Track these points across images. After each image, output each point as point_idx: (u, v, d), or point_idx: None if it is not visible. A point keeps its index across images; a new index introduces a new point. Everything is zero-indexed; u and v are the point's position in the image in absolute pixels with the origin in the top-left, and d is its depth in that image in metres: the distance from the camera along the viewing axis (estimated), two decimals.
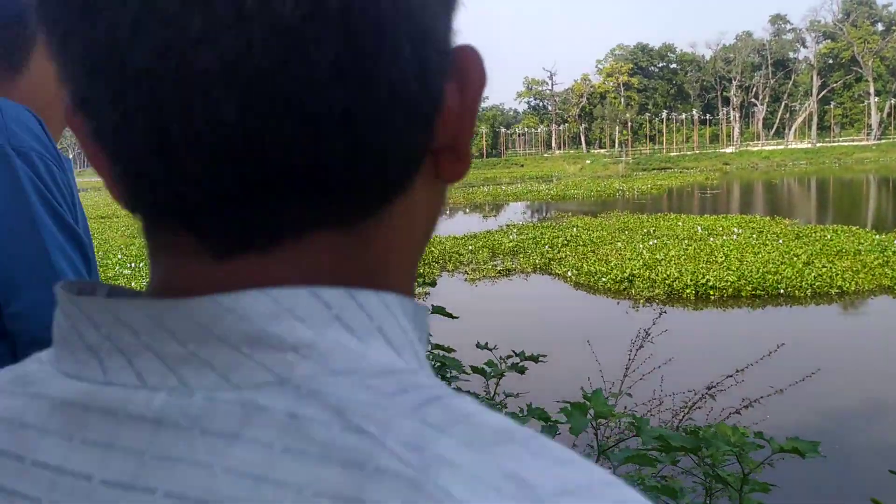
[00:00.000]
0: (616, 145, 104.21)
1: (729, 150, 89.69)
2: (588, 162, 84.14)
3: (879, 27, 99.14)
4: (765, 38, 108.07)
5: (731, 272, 15.61)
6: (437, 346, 2.79)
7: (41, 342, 1.22)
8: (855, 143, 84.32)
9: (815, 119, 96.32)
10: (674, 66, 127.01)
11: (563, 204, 38.92)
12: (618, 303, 14.95)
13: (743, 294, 14.57)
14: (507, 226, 28.31)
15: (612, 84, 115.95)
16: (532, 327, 13.54)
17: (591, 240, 22.11)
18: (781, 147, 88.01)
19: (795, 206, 34.88)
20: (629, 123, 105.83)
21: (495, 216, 35.02)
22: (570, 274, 17.44)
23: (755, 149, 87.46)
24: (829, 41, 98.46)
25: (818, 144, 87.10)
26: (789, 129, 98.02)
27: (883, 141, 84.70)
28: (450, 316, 2.92)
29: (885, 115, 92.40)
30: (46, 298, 1.15)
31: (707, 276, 15.20)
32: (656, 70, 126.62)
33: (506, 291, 16.99)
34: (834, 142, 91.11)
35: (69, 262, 1.21)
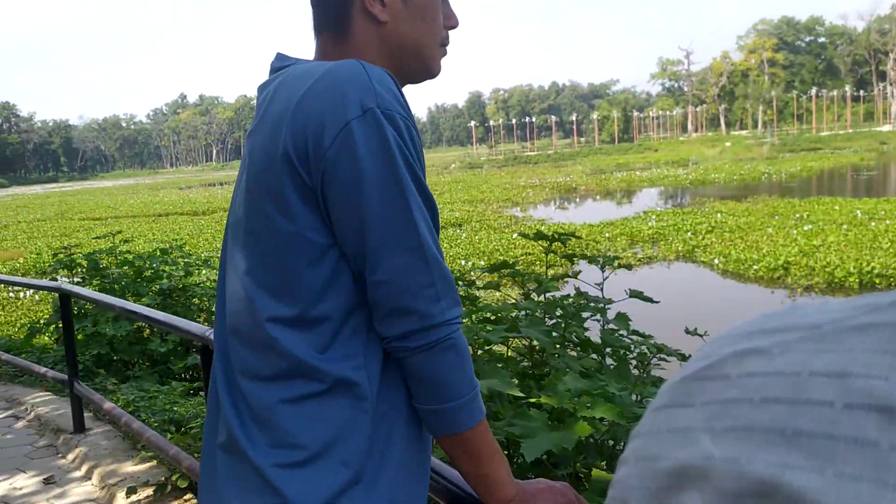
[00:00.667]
0: (759, 126, 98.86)
1: (886, 128, 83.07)
2: (728, 144, 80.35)
3: None
4: None
5: None
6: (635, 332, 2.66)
7: (401, 311, 1.16)
8: None
9: None
10: (822, 39, 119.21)
11: (703, 189, 37.33)
12: (772, 292, 14.12)
13: None
14: (645, 212, 27.43)
15: (754, 61, 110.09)
16: (682, 318, 13.02)
17: (738, 226, 21.03)
18: None
19: None
20: (774, 102, 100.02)
21: (630, 203, 34.06)
22: (717, 261, 16.65)
23: None
24: None
25: None
26: None
27: None
28: (649, 300, 2.86)
29: None
30: (410, 266, 1.16)
31: (872, 264, 14.06)
32: (803, 45, 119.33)
33: (646, 278, 16.43)
34: None
35: (428, 227, 1.19)
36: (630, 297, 2.97)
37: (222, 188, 75.99)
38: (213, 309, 6.79)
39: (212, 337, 2.57)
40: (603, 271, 3.13)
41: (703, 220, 22.84)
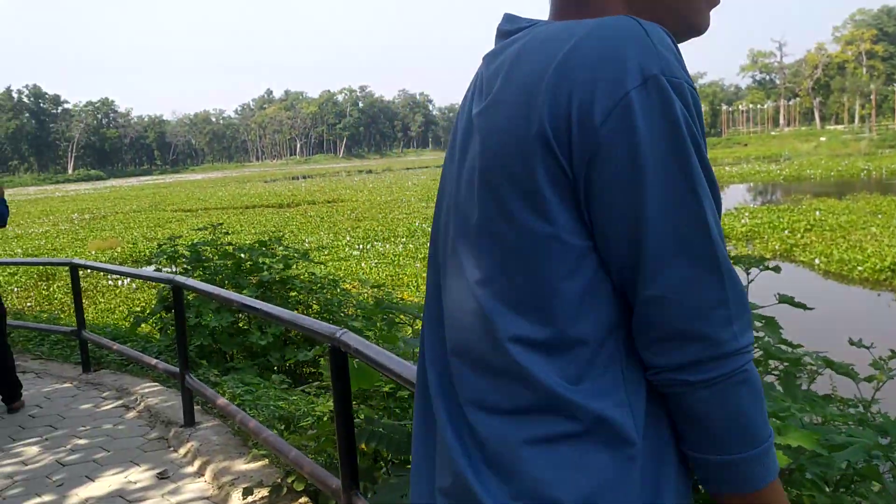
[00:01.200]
0: (855, 120, 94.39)
1: None
2: (823, 139, 77.03)
3: None
4: None
5: None
6: (783, 342, 2.41)
7: (683, 336, 0.92)
8: None
9: None
10: None
11: (798, 185, 35.82)
12: (879, 294, 13.35)
13: None
14: (737, 209, 26.49)
15: (851, 53, 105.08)
16: (786, 323, 12.45)
17: (838, 224, 20.03)
18: None
19: None
20: (872, 96, 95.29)
21: (720, 198, 32.92)
22: (817, 261, 15.88)
23: None
24: None
25: None
26: None
27: None
28: (802, 307, 2.58)
29: None
30: (697, 279, 0.91)
31: None
32: None
33: (742, 281, 15.82)
34: None
35: (719, 230, 0.93)
36: (779, 302, 2.67)
37: (305, 181, 77.62)
38: (312, 304, 6.80)
39: (343, 338, 2.47)
40: (748, 273, 2.83)
41: (801, 217, 21.87)
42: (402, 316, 4.29)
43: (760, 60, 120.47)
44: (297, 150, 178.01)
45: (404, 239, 23.88)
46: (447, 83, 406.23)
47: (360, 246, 22.75)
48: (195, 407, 4.96)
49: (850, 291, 13.99)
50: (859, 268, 14.65)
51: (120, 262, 24.67)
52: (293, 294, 6.69)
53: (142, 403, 5.63)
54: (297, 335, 6.15)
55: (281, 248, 6.98)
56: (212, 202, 49.58)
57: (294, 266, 7.08)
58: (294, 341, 6.36)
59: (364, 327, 4.82)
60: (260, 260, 6.88)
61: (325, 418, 3.38)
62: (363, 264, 19.17)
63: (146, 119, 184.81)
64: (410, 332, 4.44)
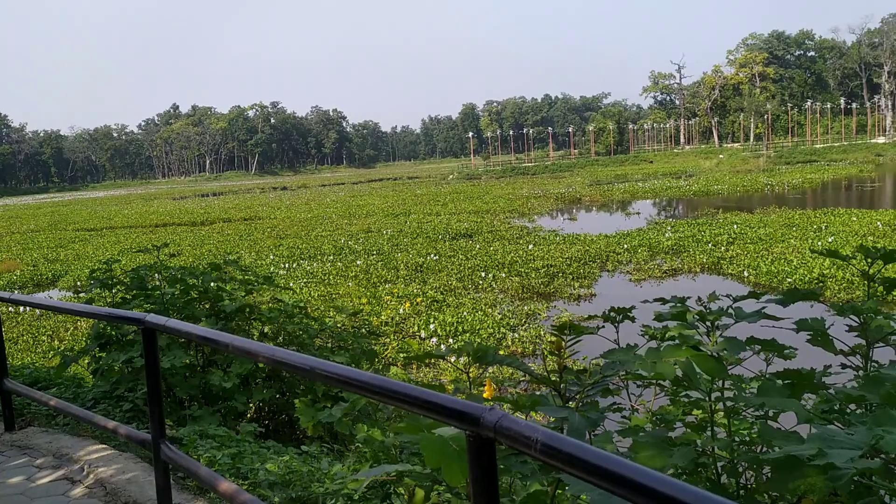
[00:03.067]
0: (751, 138, 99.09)
1: (881, 139, 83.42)
2: (722, 157, 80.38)
3: None
4: None
5: None
6: None
7: None
8: None
9: None
10: (812, 53, 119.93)
11: (708, 199, 37.06)
12: (811, 305, 13.67)
13: None
14: (657, 223, 27.11)
15: (744, 75, 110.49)
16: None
17: (758, 237, 20.69)
18: None
19: None
20: (767, 116, 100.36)
21: (638, 213, 33.72)
22: (746, 273, 16.26)
23: None
24: None
25: None
26: None
27: None
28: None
29: None
30: None
31: None
32: (793, 59, 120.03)
33: (676, 292, 15.98)
34: None
35: None
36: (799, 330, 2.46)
37: (217, 199, 75.27)
38: (278, 337, 6.00)
39: (505, 424, 1.90)
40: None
41: (721, 231, 22.49)
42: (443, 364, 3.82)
43: (661, 82, 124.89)
44: (207, 166, 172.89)
45: (332, 256, 23.24)
46: (361, 100, 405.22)
47: (286, 265, 21.99)
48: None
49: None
50: (788, 279, 15.04)
51: (20, 285, 23.03)
52: (256, 325, 5.80)
53: (91, 475, 4.36)
54: (266, 371, 5.29)
55: (239, 271, 6.18)
56: (117, 220, 47.32)
57: (258, 292, 6.26)
58: (260, 376, 5.47)
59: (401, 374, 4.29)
60: (217, 286, 5.98)
61: None
62: (291, 283, 18.46)
63: (42, 134, 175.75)
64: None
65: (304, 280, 19.01)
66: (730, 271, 17.00)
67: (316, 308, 15.51)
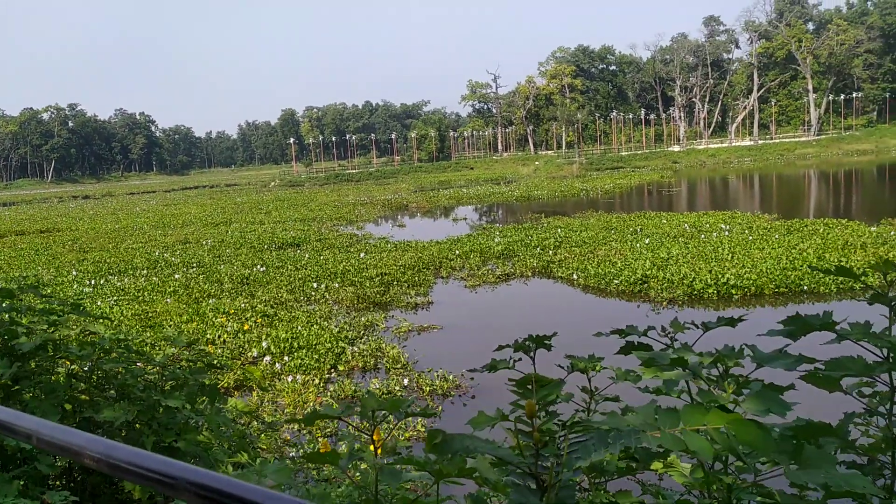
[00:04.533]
0: (563, 146, 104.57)
1: (676, 148, 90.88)
2: (538, 163, 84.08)
3: (810, 26, 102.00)
4: (700, 39, 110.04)
5: (747, 270, 15.07)
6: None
7: None
8: (796, 140, 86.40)
9: (757, 116, 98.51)
10: (613, 67, 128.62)
11: (529, 204, 38.33)
12: (638, 305, 14.24)
13: (766, 292, 14.02)
14: (485, 228, 27.50)
15: (555, 86, 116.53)
16: (565, 336, 12.67)
17: (582, 240, 21.42)
18: (726, 145, 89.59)
19: (764, 201, 34.97)
20: (577, 125, 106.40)
21: (465, 219, 34.16)
22: (575, 276, 16.67)
23: (700, 147, 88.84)
24: (763, 41, 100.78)
25: (760, 141, 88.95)
26: (731, 127, 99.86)
27: (822, 136, 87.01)
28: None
29: (822, 112, 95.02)
30: None
31: (727, 275, 14.61)
32: (597, 72, 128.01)
33: (512, 297, 16.12)
34: (773, 138, 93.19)
35: None
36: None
37: (8, 209, 68.08)
38: (91, 376, 4.85)
39: None
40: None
41: (547, 235, 23.12)
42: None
43: (479, 91, 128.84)
44: None
45: (146, 271, 21.34)
46: (171, 104, 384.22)
47: (92, 281, 19.87)
48: None
49: (611, 304, 14.76)
50: (615, 281, 15.56)
51: None
52: (60, 371, 4.66)
53: None
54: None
55: (41, 299, 5.02)
56: None
57: (64, 325, 5.10)
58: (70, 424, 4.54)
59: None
60: (10, 317, 4.81)
61: None
62: (99, 302, 16.65)
63: None
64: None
65: (115, 298, 17.23)
66: (560, 274, 17.38)
67: (131, 327, 14.03)
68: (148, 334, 13.16)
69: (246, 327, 13.30)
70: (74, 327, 4.74)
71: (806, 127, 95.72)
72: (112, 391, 3.72)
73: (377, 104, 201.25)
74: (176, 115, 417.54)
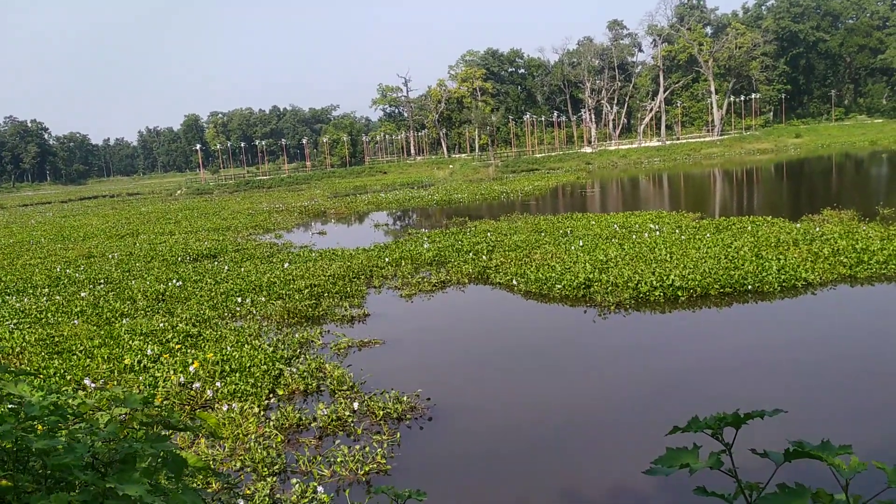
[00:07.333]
0: (476, 149, 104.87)
1: (588, 149, 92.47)
2: (451, 167, 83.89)
3: (709, 30, 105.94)
4: (605, 42, 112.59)
5: (689, 270, 14.86)
6: None
7: None
8: (701, 140, 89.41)
9: (664, 118, 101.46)
10: (522, 70, 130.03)
11: (451, 208, 37.79)
12: (584, 311, 13.78)
13: (711, 293, 13.82)
14: (411, 233, 26.72)
15: (466, 89, 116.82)
16: (518, 351, 12.05)
17: (515, 244, 20.93)
18: (635, 146, 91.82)
19: (685, 200, 35.56)
20: (489, 128, 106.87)
21: (387, 225, 33.30)
22: (515, 282, 16.12)
23: (611, 148, 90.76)
24: (666, 44, 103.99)
25: (667, 142, 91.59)
26: (639, 128, 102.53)
27: (725, 136, 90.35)
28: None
29: (723, 112, 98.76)
30: None
31: (671, 277, 14.34)
32: (506, 75, 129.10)
33: (452, 306, 15.41)
34: (679, 139, 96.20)
35: None
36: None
37: None
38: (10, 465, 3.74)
39: None
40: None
41: (477, 239, 22.54)
42: None
43: (389, 94, 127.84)
44: None
45: (47, 289, 19.55)
46: (65, 110, 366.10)
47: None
48: None
49: (557, 310, 14.25)
50: (557, 286, 15.07)
51: None
52: None
53: None
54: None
55: None
56: None
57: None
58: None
59: None
60: None
61: None
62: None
63: None
64: None
65: (14, 321, 15.56)
66: (498, 280, 16.80)
67: (36, 354, 12.57)
68: (56, 362, 11.79)
69: (168, 349, 12.09)
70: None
71: (709, 127, 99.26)
72: (42, 472, 2.73)
73: (285, 109, 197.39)
74: (71, 123, 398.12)
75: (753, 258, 15.67)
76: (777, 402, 8.93)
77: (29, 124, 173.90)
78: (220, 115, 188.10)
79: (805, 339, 11.38)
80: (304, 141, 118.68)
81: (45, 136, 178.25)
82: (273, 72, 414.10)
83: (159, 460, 2.89)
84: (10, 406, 2.97)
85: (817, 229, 19.09)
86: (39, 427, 2.94)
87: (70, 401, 2.96)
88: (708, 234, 19.71)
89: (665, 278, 14.34)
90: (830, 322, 12.34)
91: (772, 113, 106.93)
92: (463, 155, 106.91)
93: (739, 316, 12.81)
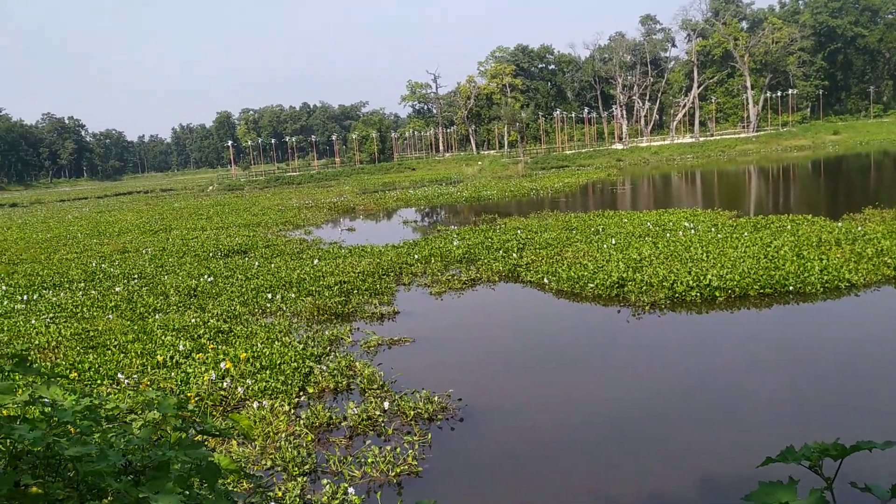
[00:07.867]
0: (505, 146, 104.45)
1: (619, 146, 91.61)
2: (480, 163, 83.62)
3: (744, 24, 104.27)
4: (637, 38, 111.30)
5: (727, 270, 14.54)
6: None
7: None
8: (736, 136, 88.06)
9: (697, 114, 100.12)
10: (552, 66, 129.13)
11: (479, 205, 37.60)
12: (618, 311, 13.54)
13: (750, 293, 13.49)
14: (441, 230, 26.61)
15: (496, 85, 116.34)
16: (550, 351, 11.88)
17: (546, 242, 20.70)
18: (668, 142, 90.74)
19: (719, 198, 35.00)
20: (518, 124, 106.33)
21: (416, 221, 33.23)
22: (546, 281, 15.91)
23: (643, 145, 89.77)
24: (700, 39, 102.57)
25: (701, 139, 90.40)
26: (672, 125, 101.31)
27: (760, 133, 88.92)
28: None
29: (759, 109, 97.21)
30: None
31: (709, 277, 14.03)
32: (537, 71, 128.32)
33: (482, 305, 15.26)
34: (714, 135, 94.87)
35: None
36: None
37: None
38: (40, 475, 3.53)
39: None
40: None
41: (508, 237, 22.35)
42: None
43: (418, 91, 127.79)
44: None
45: (83, 283, 19.77)
46: (102, 108, 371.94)
47: (24, 296, 18.26)
48: None
49: (589, 310, 14.04)
50: (590, 285, 14.84)
51: None
52: (2, 450, 3.26)
53: None
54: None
55: None
56: None
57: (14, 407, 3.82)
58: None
59: None
60: None
61: None
62: (33, 320, 15.16)
63: None
64: None
65: (51, 315, 15.75)
66: (529, 279, 16.61)
67: (71, 349, 12.66)
68: (91, 357, 11.86)
69: (199, 345, 12.10)
70: (21, 395, 3.39)
71: (745, 124, 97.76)
72: (74, 478, 2.64)
73: (315, 105, 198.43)
74: (107, 120, 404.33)
75: (794, 258, 15.29)
76: (826, 410, 8.66)
77: (66, 121, 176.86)
78: (251, 112, 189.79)
79: (854, 342, 11.04)
80: (334, 137, 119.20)
81: (82, 132, 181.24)
82: (304, 68, 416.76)
83: (193, 468, 2.80)
84: (41, 410, 2.89)
85: (859, 228, 18.61)
86: (72, 430, 2.85)
87: (104, 404, 2.87)
88: (746, 233, 19.31)
89: (702, 278, 14.04)
90: (881, 324, 11.98)
91: (809, 109, 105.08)
92: (492, 151, 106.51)
93: (781, 317, 12.49)
